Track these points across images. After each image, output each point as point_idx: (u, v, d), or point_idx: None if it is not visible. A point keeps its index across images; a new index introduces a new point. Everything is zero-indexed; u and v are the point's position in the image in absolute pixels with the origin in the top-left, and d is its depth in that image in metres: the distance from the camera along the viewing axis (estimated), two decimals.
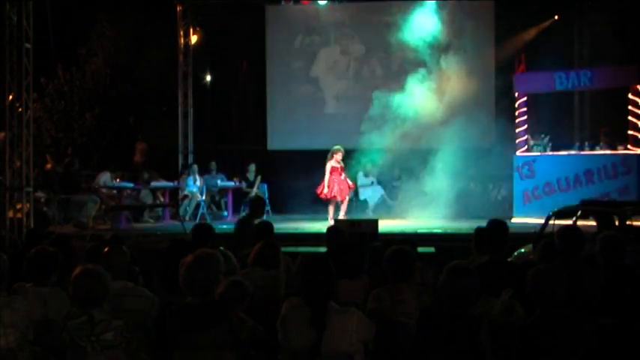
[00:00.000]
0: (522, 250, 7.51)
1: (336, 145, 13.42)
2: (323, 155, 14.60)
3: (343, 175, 13.26)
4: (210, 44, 16.88)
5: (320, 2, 16.45)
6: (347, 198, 13.31)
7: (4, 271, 4.53)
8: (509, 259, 6.36)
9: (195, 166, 14.84)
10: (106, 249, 5.22)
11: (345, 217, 12.87)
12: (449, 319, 4.02)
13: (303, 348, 4.12)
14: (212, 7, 16.40)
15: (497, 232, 5.81)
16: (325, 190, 13.08)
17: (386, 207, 14.65)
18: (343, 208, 13.27)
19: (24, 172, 11.27)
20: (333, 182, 13.13)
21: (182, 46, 16.51)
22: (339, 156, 13.18)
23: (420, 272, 5.62)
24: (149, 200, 14.34)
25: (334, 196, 13.18)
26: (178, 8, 16.40)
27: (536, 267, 4.10)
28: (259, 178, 15.12)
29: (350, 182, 13.39)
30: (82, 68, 17.63)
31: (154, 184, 14.32)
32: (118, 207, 13.34)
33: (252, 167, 15.15)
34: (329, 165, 13.11)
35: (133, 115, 18.26)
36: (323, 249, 6.94)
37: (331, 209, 13.24)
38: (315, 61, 16.69)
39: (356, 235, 7.89)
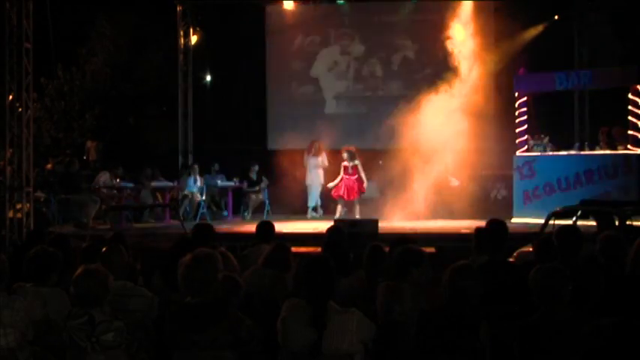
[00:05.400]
0: (522, 250, 7.50)
1: (343, 144, 13.79)
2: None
3: (357, 174, 13.46)
4: (210, 44, 16.88)
5: (320, 2, 16.44)
6: (354, 198, 13.47)
7: (4, 271, 4.54)
8: (509, 259, 6.36)
9: (196, 166, 14.83)
10: (104, 248, 5.22)
11: (358, 217, 12.98)
12: (448, 319, 4.02)
13: (303, 348, 4.12)
14: (212, 7, 16.42)
15: (497, 232, 5.81)
16: (339, 190, 13.62)
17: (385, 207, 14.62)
18: (356, 208, 13.41)
19: (24, 172, 11.26)
20: (341, 181, 13.50)
21: (182, 46, 16.51)
22: (343, 155, 13.59)
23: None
24: (149, 200, 14.34)
25: (341, 195, 13.52)
26: (178, 8, 16.40)
27: (539, 266, 4.09)
28: (265, 180, 15.11)
29: (362, 183, 13.49)
30: (82, 68, 17.66)
31: (154, 184, 14.32)
32: (118, 207, 13.34)
33: (256, 167, 15.14)
34: (342, 165, 13.60)
35: (133, 115, 18.28)
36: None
37: (339, 208, 13.48)
38: (315, 61, 16.69)
39: (356, 235, 7.90)
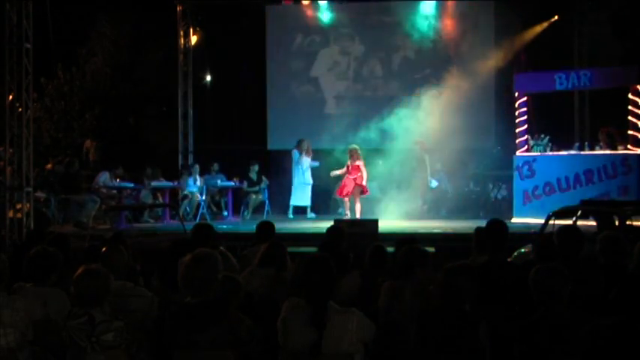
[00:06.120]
0: (522, 250, 7.50)
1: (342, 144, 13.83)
2: (322, 155, 14.72)
3: (357, 173, 13.48)
4: (210, 44, 16.89)
5: (320, 2, 16.44)
6: (352, 197, 13.50)
7: (4, 271, 4.54)
8: (509, 259, 6.36)
9: (196, 166, 14.83)
10: (104, 248, 5.22)
11: (358, 217, 13.02)
12: (446, 318, 4.02)
13: (303, 348, 4.12)
14: (212, 7, 16.42)
15: (497, 232, 5.81)
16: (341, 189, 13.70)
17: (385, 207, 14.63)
18: (357, 207, 13.45)
19: (24, 172, 11.26)
20: (343, 180, 13.58)
21: (182, 46, 16.51)
22: (348, 155, 13.57)
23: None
24: (149, 200, 14.33)
25: (341, 194, 13.62)
26: (178, 8, 16.40)
27: (539, 266, 4.09)
28: (265, 180, 15.11)
29: (362, 182, 13.49)
30: (82, 68, 17.68)
31: (154, 184, 14.32)
32: (118, 207, 13.33)
33: (256, 167, 15.14)
34: (347, 164, 13.66)
35: (133, 115, 18.29)
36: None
37: (356, 207, 13.60)
38: (315, 61, 16.70)
39: (356, 235, 7.89)
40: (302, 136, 14.88)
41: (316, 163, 14.59)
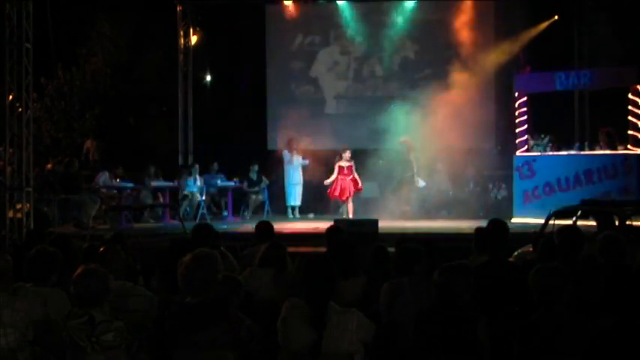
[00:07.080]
0: (522, 250, 7.50)
1: (342, 144, 13.81)
2: (322, 155, 14.71)
3: (352, 175, 13.42)
4: (210, 44, 16.88)
5: (320, 2, 16.44)
6: (347, 198, 13.48)
7: (7, 271, 4.54)
8: (509, 259, 6.36)
9: (196, 166, 14.83)
10: (102, 248, 5.22)
11: (351, 217, 13.00)
12: (443, 318, 4.02)
13: (303, 348, 4.12)
14: (212, 7, 16.41)
15: (497, 232, 5.82)
16: (335, 191, 13.60)
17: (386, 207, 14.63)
18: (349, 207, 13.43)
19: (24, 172, 11.26)
20: (337, 182, 13.47)
21: (182, 46, 16.51)
22: (346, 154, 13.57)
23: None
24: (149, 200, 14.33)
25: (337, 196, 13.53)
26: (178, 8, 16.40)
27: (539, 266, 4.10)
28: (265, 180, 15.11)
29: (358, 183, 13.49)
30: (82, 68, 17.65)
31: (154, 184, 14.31)
32: (118, 207, 13.34)
33: (256, 167, 15.14)
34: (336, 165, 13.54)
35: (133, 115, 18.28)
36: (323, 249, 6.94)
37: (346, 208, 13.56)
38: (315, 61, 16.70)
39: (356, 235, 7.89)
40: (302, 136, 14.87)
41: (306, 162, 14.59)
